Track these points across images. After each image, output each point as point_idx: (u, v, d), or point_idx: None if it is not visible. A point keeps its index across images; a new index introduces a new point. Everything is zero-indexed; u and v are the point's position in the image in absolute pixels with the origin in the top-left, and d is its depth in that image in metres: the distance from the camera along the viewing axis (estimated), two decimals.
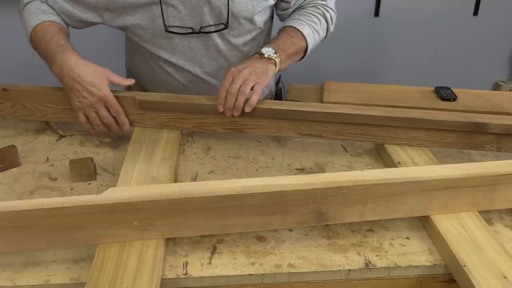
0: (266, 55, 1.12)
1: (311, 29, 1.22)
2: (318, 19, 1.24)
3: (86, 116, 1.07)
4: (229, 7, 1.14)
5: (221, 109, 1.06)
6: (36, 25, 1.11)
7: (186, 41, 1.19)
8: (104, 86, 1.04)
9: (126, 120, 1.09)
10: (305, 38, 1.20)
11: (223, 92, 1.05)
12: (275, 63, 1.13)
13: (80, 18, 1.16)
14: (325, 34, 1.29)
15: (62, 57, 1.04)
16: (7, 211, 0.72)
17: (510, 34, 2.76)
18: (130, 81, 1.10)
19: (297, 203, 0.80)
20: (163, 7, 1.11)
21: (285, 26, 1.23)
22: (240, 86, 1.04)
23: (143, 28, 1.15)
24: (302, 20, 1.22)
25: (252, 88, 1.06)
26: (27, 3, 1.15)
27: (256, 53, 1.14)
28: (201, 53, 1.22)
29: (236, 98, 1.05)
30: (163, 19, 1.13)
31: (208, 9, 1.14)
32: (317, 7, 1.26)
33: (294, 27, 1.21)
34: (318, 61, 2.06)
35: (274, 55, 1.13)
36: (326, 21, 1.27)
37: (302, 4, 1.28)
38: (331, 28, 1.30)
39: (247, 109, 1.06)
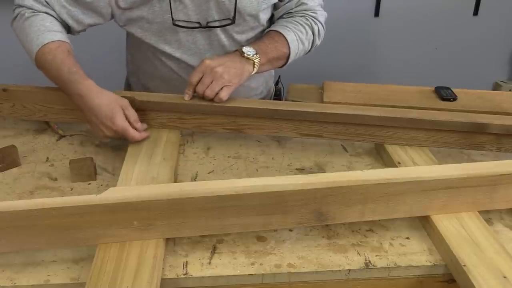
0: (246, 54, 1.12)
1: (296, 37, 1.21)
2: (305, 29, 1.23)
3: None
4: (236, 3, 1.14)
5: (187, 98, 1.10)
6: (43, 45, 1.06)
7: (191, 36, 1.20)
8: (118, 119, 1.02)
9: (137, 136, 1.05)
10: (289, 45, 1.19)
11: (191, 88, 1.09)
12: (254, 64, 1.13)
13: (89, 21, 1.15)
14: (310, 47, 1.27)
15: (76, 89, 1.03)
16: (7, 211, 0.72)
17: (510, 34, 2.76)
18: (145, 134, 1.08)
19: (297, 203, 0.80)
20: (171, 1, 1.12)
21: (270, 30, 1.23)
22: (208, 87, 1.07)
23: (149, 21, 1.15)
24: (289, 27, 1.21)
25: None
26: (28, 17, 1.09)
27: (237, 50, 1.14)
28: (204, 48, 1.22)
29: (203, 95, 1.09)
30: (171, 13, 1.13)
31: (214, 5, 1.15)
32: (306, 18, 1.25)
33: (279, 32, 1.20)
34: (318, 61, 2.06)
35: (254, 55, 1.13)
36: (313, 33, 1.25)
37: (292, 11, 1.26)
38: (317, 42, 1.29)
39: (217, 100, 1.08)
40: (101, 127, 1.02)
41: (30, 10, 1.11)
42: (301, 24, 1.23)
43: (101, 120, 1.02)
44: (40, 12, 1.11)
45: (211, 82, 1.07)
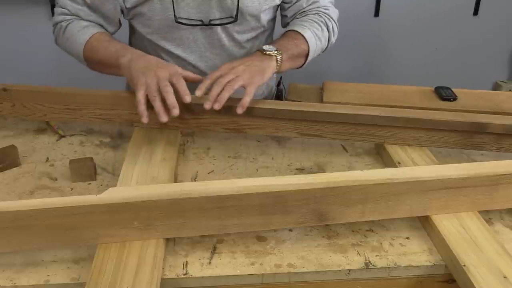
0: (267, 52, 1.10)
1: (313, 34, 1.20)
2: (320, 26, 1.23)
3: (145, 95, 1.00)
4: (238, 2, 1.15)
5: (199, 93, 1.01)
6: (88, 39, 1.13)
7: (192, 34, 1.20)
8: (176, 66, 1.04)
9: (187, 91, 0.99)
10: (307, 41, 1.18)
11: (209, 81, 1.03)
12: (276, 60, 1.11)
13: (109, 29, 1.21)
14: (326, 44, 1.27)
15: (135, 50, 1.09)
16: (7, 211, 0.72)
17: (510, 34, 2.77)
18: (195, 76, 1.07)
19: (297, 203, 0.80)
20: None
21: (287, 31, 1.23)
22: (229, 82, 1.02)
23: (150, 18, 1.17)
24: (304, 25, 1.21)
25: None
26: (65, 26, 1.17)
27: (257, 50, 1.13)
28: (204, 47, 1.23)
29: (222, 91, 1.00)
30: (174, 10, 1.14)
31: (216, 3, 1.15)
32: (319, 15, 1.25)
33: (296, 31, 1.20)
34: (318, 61, 2.06)
35: (275, 52, 1.11)
36: (328, 30, 1.26)
37: (304, 10, 1.27)
38: (333, 39, 1.28)
39: (239, 111, 1.01)
40: (157, 67, 1.01)
41: (64, 22, 1.18)
42: (315, 22, 1.23)
43: (161, 62, 1.04)
44: (72, 19, 1.18)
45: (228, 82, 1.02)
